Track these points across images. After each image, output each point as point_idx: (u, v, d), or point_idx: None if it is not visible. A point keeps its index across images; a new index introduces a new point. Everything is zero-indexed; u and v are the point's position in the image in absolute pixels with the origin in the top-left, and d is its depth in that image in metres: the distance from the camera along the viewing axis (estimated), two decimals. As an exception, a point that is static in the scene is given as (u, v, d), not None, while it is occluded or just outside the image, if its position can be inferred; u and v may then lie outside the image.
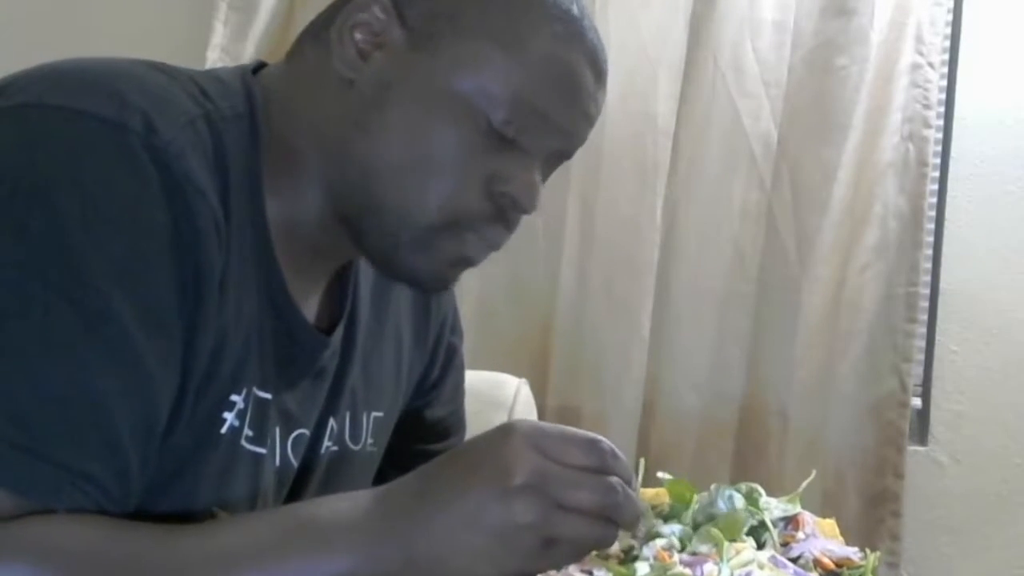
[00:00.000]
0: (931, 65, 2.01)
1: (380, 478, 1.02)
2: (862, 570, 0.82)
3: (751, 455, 2.01)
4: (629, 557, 0.83)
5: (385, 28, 0.84)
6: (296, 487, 0.92)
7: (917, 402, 2.09)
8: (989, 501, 2.07)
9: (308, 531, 0.72)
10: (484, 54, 0.83)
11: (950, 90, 2.09)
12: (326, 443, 0.94)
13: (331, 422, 0.94)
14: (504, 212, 0.85)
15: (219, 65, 2.16)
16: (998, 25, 2.09)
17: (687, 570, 0.79)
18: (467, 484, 0.70)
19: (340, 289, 0.95)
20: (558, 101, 0.85)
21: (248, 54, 2.19)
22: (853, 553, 0.84)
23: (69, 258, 0.70)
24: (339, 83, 0.84)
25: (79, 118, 0.73)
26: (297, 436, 0.89)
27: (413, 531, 0.71)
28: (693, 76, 2.07)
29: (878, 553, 0.84)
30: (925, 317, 2.08)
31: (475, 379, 1.21)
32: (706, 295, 2.06)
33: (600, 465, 0.71)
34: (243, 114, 0.84)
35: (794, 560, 0.83)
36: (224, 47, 2.21)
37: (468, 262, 0.87)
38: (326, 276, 0.93)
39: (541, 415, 1.81)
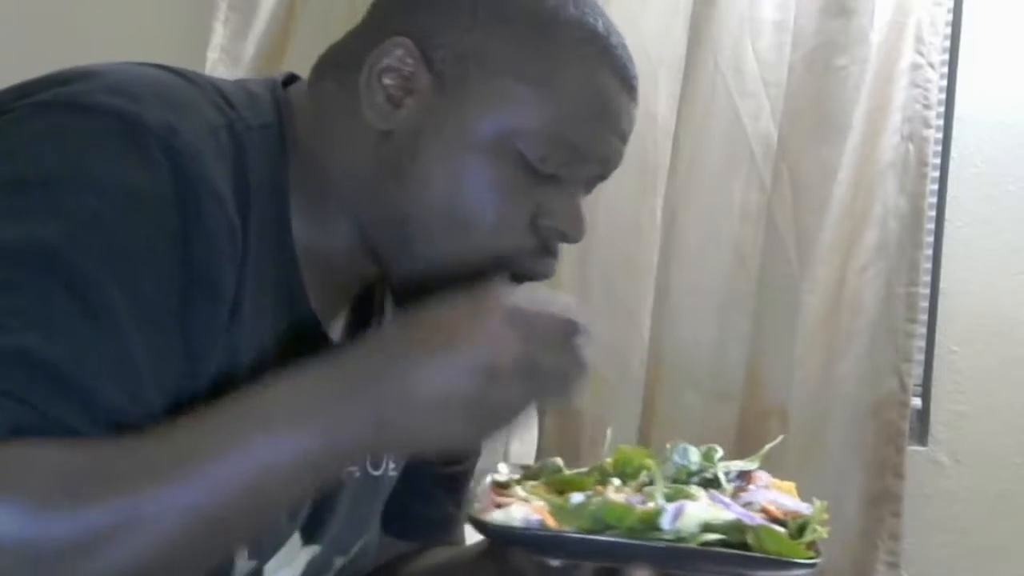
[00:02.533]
0: (931, 65, 2.01)
1: (393, 498, 1.01)
2: (807, 519, 0.81)
3: (751, 455, 2.01)
4: None
5: (413, 73, 0.82)
6: (321, 512, 0.91)
7: (917, 402, 2.09)
8: (989, 501, 2.07)
9: (272, 410, 0.70)
10: (514, 92, 0.82)
11: (950, 90, 2.09)
12: (348, 468, 0.92)
13: None
14: (549, 243, 0.85)
15: (219, 65, 2.17)
16: (998, 25, 2.09)
17: (619, 497, 0.79)
18: (446, 361, 0.70)
19: (365, 306, 0.94)
20: (593, 131, 0.84)
21: (248, 54, 2.19)
22: (805, 508, 0.83)
23: (70, 246, 0.68)
24: (372, 131, 0.83)
25: (99, 115, 0.72)
26: None
27: (384, 394, 0.70)
28: (693, 76, 2.07)
29: (825, 503, 0.83)
30: (925, 317, 2.08)
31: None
32: (706, 295, 2.06)
33: (574, 332, 0.74)
34: (270, 124, 0.82)
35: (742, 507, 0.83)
36: (224, 47, 2.21)
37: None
38: (351, 296, 0.92)
39: (541, 415, 1.81)
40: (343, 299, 0.91)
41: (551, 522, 0.78)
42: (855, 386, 2.01)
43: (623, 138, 0.88)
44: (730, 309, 2.05)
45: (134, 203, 0.71)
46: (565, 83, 0.83)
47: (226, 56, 2.20)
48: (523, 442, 1.97)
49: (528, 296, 0.74)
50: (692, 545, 0.76)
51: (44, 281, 0.68)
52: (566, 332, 0.74)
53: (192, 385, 0.74)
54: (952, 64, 2.09)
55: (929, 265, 2.08)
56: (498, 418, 0.73)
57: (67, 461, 0.65)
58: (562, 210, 0.84)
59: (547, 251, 0.85)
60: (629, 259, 2.06)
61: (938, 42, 2.02)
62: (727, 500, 0.81)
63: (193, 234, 0.73)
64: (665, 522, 0.77)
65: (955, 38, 2.08)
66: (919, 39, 2.01)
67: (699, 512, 0.78)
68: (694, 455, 0.89)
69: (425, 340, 0.71)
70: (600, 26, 0.85)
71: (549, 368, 0.72)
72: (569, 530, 0.78)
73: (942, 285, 2.10)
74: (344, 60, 0.86)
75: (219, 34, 2.21)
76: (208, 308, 0.74)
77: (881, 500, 2.00)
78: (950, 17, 2.07)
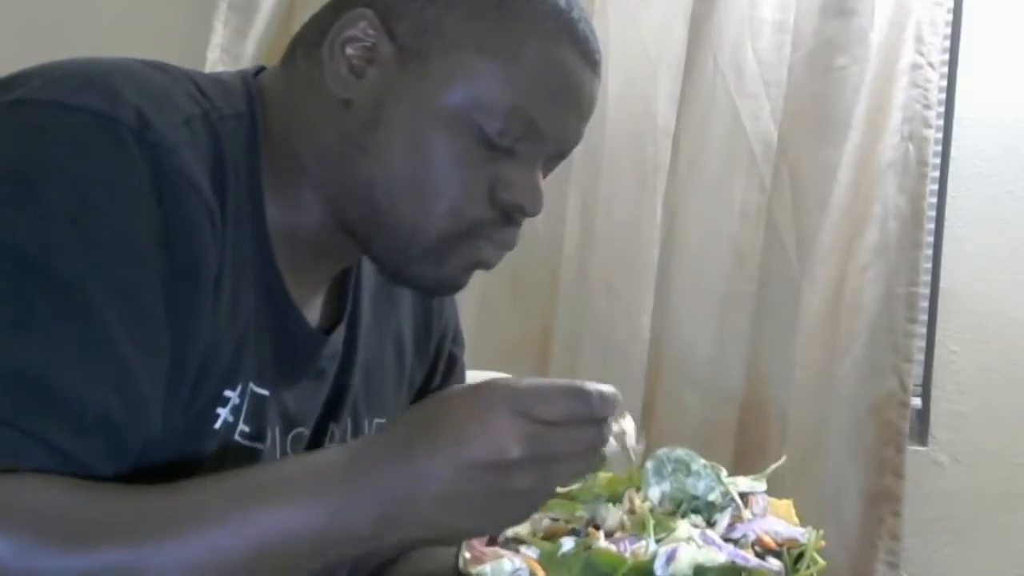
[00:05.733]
0: (931, 65, 2.01)
1: None
2: (804, 548, 0.80)
3: (751, 455, 2.01)
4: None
5: (375, 44, 0.83)
6: None
7: (917, 402, 2.09)
8: (989, 501, 2.07)
9: (275, 485, 0.71)
10: (474, 66, 0.82)
11: (950, 90, 2.09)
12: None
13: (332, 427, 0.93)
14: (511, 216, 0.85)
15: (219, 65, 2.17)
16: (998, 25, 2.09)
17: (611, 546, 0.78)
18: (458, 456, 0.69)
19: (342, 292, 0.95)
20: (553, 108, 0.84)
21: (248, 54, 2.19)
22: (800, 534, 0.83)
23: (48, 245, 0.69)
24: (335, 102, 0.84)
25: (72, 112, 0.73)
26: (296, 435, 0.89)
27: (388, 491, 0.70)
28: (693, 76, 2.07)
29: (821, 532, 0.82)
30: (925, 317, 2.08)
31: (475, 379, 1.21)
32: (706, 295, 2.06)
33: (589, 414, 0.71)
34: (243, 113, 0.84)
35: (736, 541, 0.82)
36: (224, 47, 2.21)
37: (483, 265, 0.87)
38: (327, 278, 0.93)
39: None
40: (319, 282, 0.92)
41: (541, 573, 0.78)
42: (855, 386, 2.01)
43: (582, 116, 0.88)
44: (730, 309, 2.05)
45: (113, 198, 0.72)
46: (525, 57, 0.83)
47: (226, 56, 2.20)
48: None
49: (525, 383, 0.72)
50: None
51: (26, 288, 0.68)
52: (570, 399, 0.71)
53: (180, 370, 0.75)
54: (952, 64, 2.09)
55: (929, 265, 2.08)
56: (512, 511, 0.72)
57: (72, 502, 0.67)
58: (519, 183, 0.84)
59: (509, 221, 0.85)
60: (629, 259, 2.06)
61: (938, 42, 2.02)
62: (719, 541, 0.81)
63: (174, 224, 0.74)
64: (658, 568, 0.76)
65: (955, 38, 2.08)
66: (919, 39, 2.01)
67: (692, 556, 0.77)
68: (703, 484, 0.88)
69: (436, 442, 0.70)
70: (562, 1, 0.85)
71: (563, 443, 0.71)
72: None
73: (942, 285, 2.10)
74: (310, 35, 0.87)
75: (219, 34, 2.21)
76: (192, 294, 0.75)
77: (881, 500, 2.00)
78: (950, 17, 2.07)
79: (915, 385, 2.06)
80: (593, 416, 0.71)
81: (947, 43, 2.07)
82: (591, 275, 2.08)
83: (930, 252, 2.08)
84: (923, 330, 2.07)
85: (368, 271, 0.96)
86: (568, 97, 0.85)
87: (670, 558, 0.76)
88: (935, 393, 2.10)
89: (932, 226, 2.08)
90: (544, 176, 0.88)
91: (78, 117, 0.73)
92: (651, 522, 0.82)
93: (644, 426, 2.11)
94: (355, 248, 0.88)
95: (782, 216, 2.05)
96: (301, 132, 0.85)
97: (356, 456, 0.72)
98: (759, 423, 2.04)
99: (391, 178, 0.83)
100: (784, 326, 2.04)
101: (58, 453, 0.68)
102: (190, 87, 0.81)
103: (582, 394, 0.71)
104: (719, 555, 0.77)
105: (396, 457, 0.70)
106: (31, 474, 0.67)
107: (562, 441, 0.70)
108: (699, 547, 0.78)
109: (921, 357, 2.08)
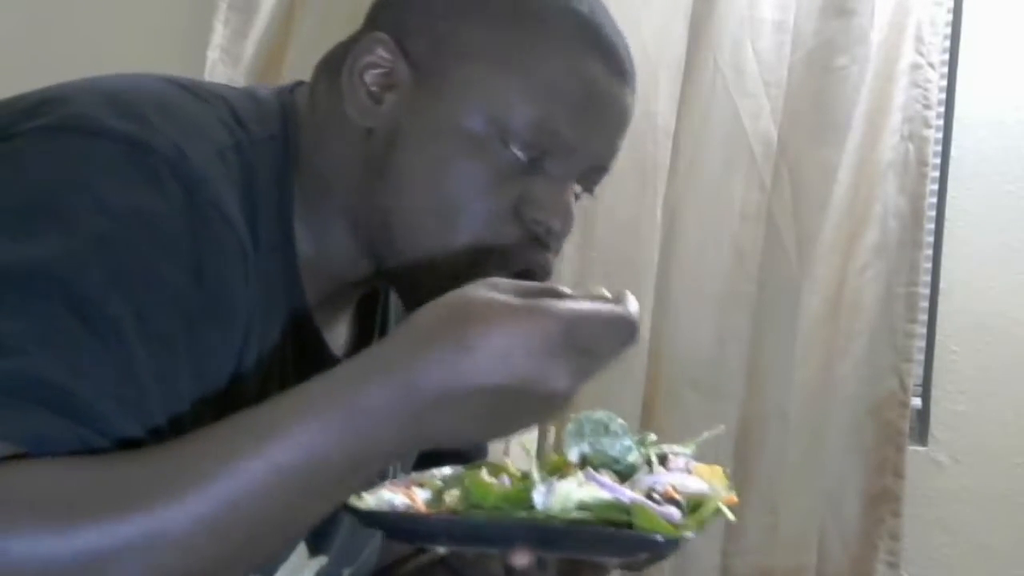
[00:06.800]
0: (931, 65, 2.01)
1: None
2: (702, 498, 0.77)
3: (751, 455, 2.01)
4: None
5: (393, 68, 0.81)
6: (325, 522, 0.89)
7: (917, 402, 2.09)
8: (989, 501, 2.07)
9: (280, 414, 0.66)
10: (492, 81, 0.79)
11: (950, 90, 2.09)
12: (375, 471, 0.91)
13: None
14: (538, 236, 0.81)
15: (219, 65, 2.17)
16: (998, 25, 2.09)
17: (491, 479, 0.75)
18: (503, 388, 0.64)
19: (367, 316, 0.93)
20: (577, 120, 0.81)
21: (248, 54, 2.19)
22: (711, 490, 0.79)
23: (78, 268, 0.67)
24: (358, 130, 0.82)
25: (107, 140, 0.71)
26: None
27: (410, 384, 0.64)
28: (693, 76, 2.07)
29: (730, 485, 0.79)
30: (925, 317, 2.08)
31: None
32: (706, 295, 2.06)
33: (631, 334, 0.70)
34: (276, 135, 0.82)
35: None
36: (224, 47, 2.21)
37: None
38: (351, 304, 0.91)
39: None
40: (343, 307, 0.90)
41: (419, 506, 0.75)
42: (855, 386, 2.01)
43: (614, 128, 0.84)
44: (730, 309, 2.05)
45: (144, 226, 0.70)
46: (543, 69, 0.80)
47: (226, 56, 2.20)
48: (524, 444, 1.97)
49: (585, 319, 0.69)
50: (555, 522, 0.72)
51: (51, 304, 0.67)
52: (617, 331, 0.70)
53: (201, 403, 0.73)
54: (952, 64, 2.09)
55: (929, 265, 2.08)
56: (532, 414, 0.69)
57: (80, 477, 0.64)
58: (547, 200, 0.81)
59: (540, 244, 0.81)
60: (629, 259, 2.06)
61: (938, 42, 2.02)
62: (603, 479, 0.76)
63: (206, 257, 0.72)
64: (538, 501, 0.73)
65: (955, 38, 2.09)
66: (919, 39, 2.01)
67: (571, 491, 0.74)
68: (620, 445, 0.85)
69: (462, 331, 0.64)
70: (585, 8, 0.82)
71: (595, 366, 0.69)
72: (436, 513, 0.74)
73: (942, 285, 2.10)
74: (332, 62, 0.86)
75: (219, 34, 2.21)
76: (223, 329, 0.73)
77: (881, 500, 2.00)
78: (950, 17, 2.07)
79: (915, 385, 2.06)
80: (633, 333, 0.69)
81: (947, 43, 2.07)
82: (591, 275, 2.08)
83: (930, 252, 2.08)
84: (923, 330, 2.07)
85: (395, 295, 0.94)
86: (594, 109, 0.82)
87: (548, 491, 0.73)
88: (935, 393, 2.10)
89: (932, 226, 2.08)
90: (590, 191, 0.84)
91: (114, 145, 0.71)
92: (534, 460, 0.78)
93: (644, 426, 2.12)
94: (380, 276, 0.85)
95: (782, 216, 2.05)
96: (326, 157, 0.84)
97: (367, 359, 0.67)
98: (759, 423, 2.04)
99: (410, 201, 0.80)
100: (784, 326, 2.04)
101: (76, 438, 0.64)
102: (223, 111, 0.79)
103: (627, 321, 0.71)
104: (601, 492, 0.74)
105: (421, 349, 0.64)
106: (31, 459, 0.63)
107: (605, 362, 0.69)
108: (577, 483, 0.75)
109: (921, 357, 2.08)
